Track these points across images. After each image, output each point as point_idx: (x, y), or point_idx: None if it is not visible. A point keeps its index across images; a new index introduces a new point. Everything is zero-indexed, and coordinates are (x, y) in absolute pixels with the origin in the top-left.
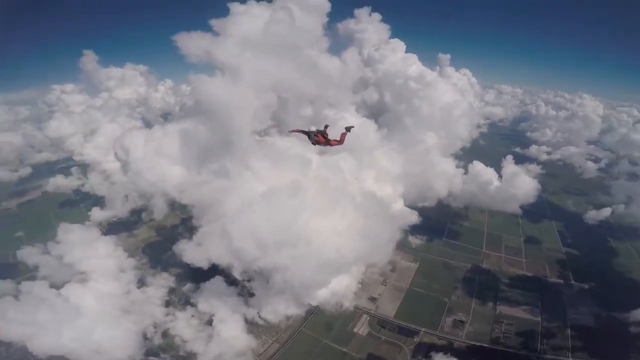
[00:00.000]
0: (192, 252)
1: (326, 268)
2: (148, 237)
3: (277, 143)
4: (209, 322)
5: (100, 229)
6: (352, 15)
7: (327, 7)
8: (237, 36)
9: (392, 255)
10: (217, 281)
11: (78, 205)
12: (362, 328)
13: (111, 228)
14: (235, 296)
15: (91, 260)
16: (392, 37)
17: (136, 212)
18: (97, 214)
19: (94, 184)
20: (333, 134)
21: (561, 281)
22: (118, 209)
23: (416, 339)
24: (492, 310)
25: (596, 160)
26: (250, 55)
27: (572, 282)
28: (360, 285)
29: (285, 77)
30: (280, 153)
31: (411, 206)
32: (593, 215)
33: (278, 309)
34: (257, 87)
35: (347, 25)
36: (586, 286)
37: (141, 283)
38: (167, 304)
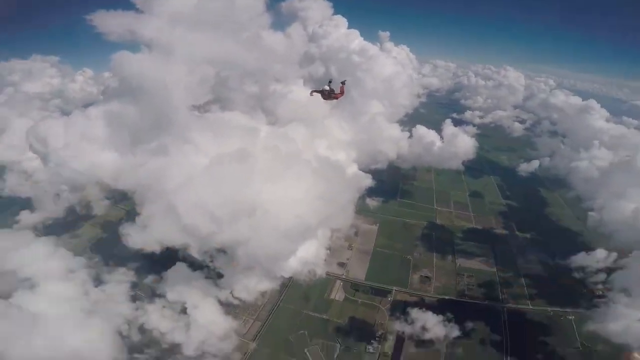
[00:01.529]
0: (138, 236)
1: (290, 236)
2: (94, 235)
3: (220, 116)
4: (183, 311)
5: (36, 233)
6: None
7: None
8: (166, 12)
9: (353, 219)
10: (180, 268)
11: (1, 212)
12: (337, 294)
13: (48, 230)
14: (203, 280)
15: (33, 264)
16: (334, 14)
17: (73, 211)
18: (26, 217)
19: (14, 186)
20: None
21: (507, 232)
22: (51, 209)
23: (390, 298)
24: (453, 263)
25: (522, 121)
26: (182, 31)
27: (516, 232)
28: (328, 252)
29: (223, 52)
30: (224, 125)
31: (364, 170)
32: (524, 168)
33: (251, 286)
34: (191, 62)
35: (290, 4)
36: (528, 236)
37: (98, 282)
38: (134, 298)
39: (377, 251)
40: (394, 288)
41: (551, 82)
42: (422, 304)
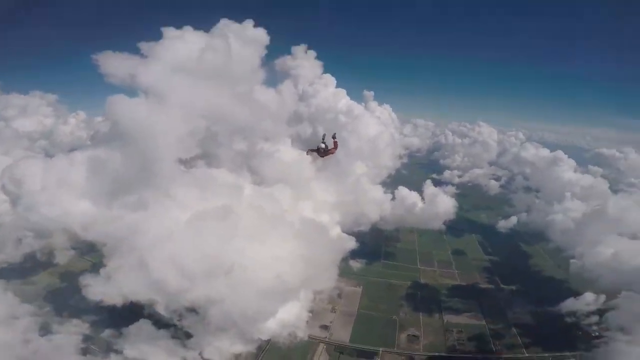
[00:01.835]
0: (100, 288)
1: (269, 296)
2: (50, 284)
3: (205, 172)
4: None
5: None
6: (289, 52)
7: (266, 40)
8: (168, 60)
9: (336, 282)
10: (143, 325)
11: None
12: (321, 358)
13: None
14: (169, 339)
15: None
16: (324, 72)
17: (32, 257)
18: None
19: None
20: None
21: (492, 286)
22: (8, 253)
23: (377, 359)
24: (440, 320)
25: (497, 178)
26: (180, 81)
27: (501, 285)
28: (311, 314)
29: (216, 105)
30: (209, 182)
31: (348, 232)
32: (503, 225)
33: (223, 348)
34: (184, 112)
35: (284, 61)
36: (514, 287)
37: (45, 331)
38: (84, 352)
39: (361, 313)
40: (381, 349)
41: (521, 135)
42: None
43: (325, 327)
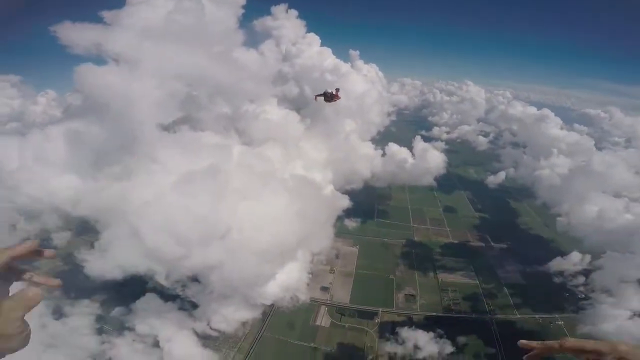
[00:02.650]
0: (97, 263)
1: (268, 257)
2: (53, 268)
3: (190, 135)
4: (156, 344)
5: None
6: (268, 13)
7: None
8: (135, 26)
9: (333, 242)
10: (150, 299)
11: None
12: (323, 320)
13: None
14: (176, 311)
15: None
16: (308, 31)
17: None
18: None
19: None
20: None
21: (482, 244)
22: (4, 241)
23: (377, 320)
24: (435, 280)
25: (485, 134)
26: (151, 45)
27: (492, 243)
28: (310, 276)
29: (193, 67)
30: (195, 144)
31: (341, 191)
32: (492, 180)
33: (230, 316)
34: (159, 76)
35: (263, 22)
36: (504, 246)
37: (59, 314)
38: (99, 332)
39: (359, 273)
40: (380, 309)
41: (508, 94)
42: (410, 323)
43: (325, 289)
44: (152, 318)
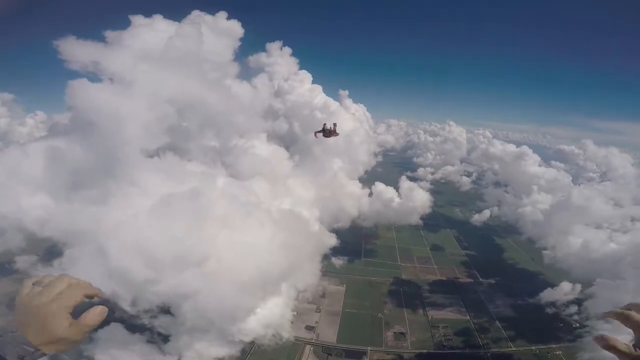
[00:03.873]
0: None
1: (248, 289)
2: (12, 292)
3: (174, 161)
4: None
5: None
6: (263, 49)
7: (240, 33)
8: (135, 48)
9: (319, 281)
10: (114, 329)
11: None
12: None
13: None
14: (144, 344)
15: None
16: (300, 69)
17: None
18: None
19: None
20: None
21: (471, 280)
22: None
23: (365, 359)
24: (425, 316)
25: (468, 174)
26: (147, 68)
27: (480, 279)
28: (295, 314)
29: (186, 94)
30: (178, 170)
31: (328, 229)
32: (477, 219)
33: (204, 352)
34: (151, 99)
35: (258, 58)
36: (493, 281)
37: None
38: (52, 359)
39: (346, 312)
40: (369, 348)
41: (488, 133)
42: None
43: (310, 328)
44: (115, 349)
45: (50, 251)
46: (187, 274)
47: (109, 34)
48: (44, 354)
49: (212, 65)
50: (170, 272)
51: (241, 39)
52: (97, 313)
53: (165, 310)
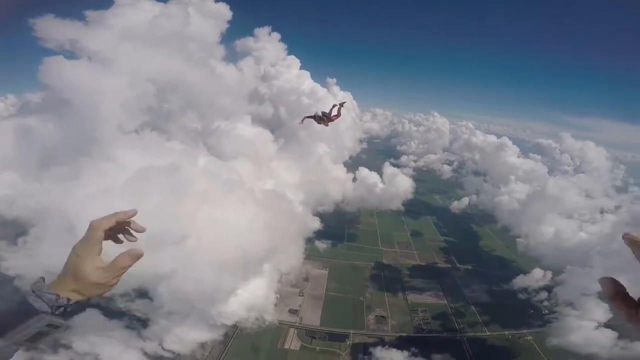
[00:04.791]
0: (18, 260)
1: (229, 269)
2: None
3: (153, 138)
4: None
5: None
6: (251, 34)
7: (227, 15)
8: (117, 27)
9: (303, 265)
10: (91, 315)
11: None
12: (292, 343)
13: None
14: (123, 330)
15: None
16: (288, 54)
17: None
18: None
19: None
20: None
21: (449, 265)
22: None
23: (348, 342)
24: (404, 300)
25: (450, 163)
26: (130, 46)
27: (458, 265)
28: (278, 297)
29: (170, 73)
30: (157, 147)
31: (312, 212)
32: (456, 206)
33: (185, 336)
34: (132, 77)
35: (245, 42)
36: (469, 267)
37: None
38: (28, 348)
39: (329, 295)
40: (351, 331)
41: (471, 125)
42: (382, 344)
43: (294, 312)
44: (93, 336)
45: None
46: (164, 253)
47: (90, 14)
48: (77, 301)
49: (197, 46)
50: (145, 250)
51: (229, 22)
52: (131, 255)
53: (143, 293)
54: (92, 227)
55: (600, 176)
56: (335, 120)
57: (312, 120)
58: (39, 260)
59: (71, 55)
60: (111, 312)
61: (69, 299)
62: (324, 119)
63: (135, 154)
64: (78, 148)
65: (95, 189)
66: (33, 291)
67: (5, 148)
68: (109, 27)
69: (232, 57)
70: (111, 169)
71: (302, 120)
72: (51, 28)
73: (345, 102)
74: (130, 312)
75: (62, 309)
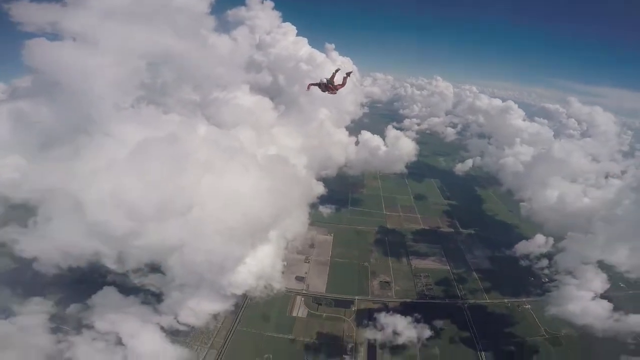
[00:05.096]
0: (31, 243)
1: (236, 237)
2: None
3: (150, 111)
4: (119, 342)
5: None
6: (243, 3)
7: None
8: (99, 5)
9: (308, 231)
10: (108, 293)
11: None
12: (300, 310)
13: None
14: (139, 305)
15: None
16: (284, 21)
17: None
18: None
19: None
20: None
21: (452, 230)
22: None
23: (353, 308)
24: (408, 266)
25: (454, 126)
26: (114, 24)
27: (460, 229)
28: (285, 264)
29: (160, 47)
30: (156, 119)
31: (315, 177)
32: (460, 168)
33: (198, 309)
34: (121, 54)
35: (237, 12)
36: (472, 231)
37: (7, 313)
38: (55, 331)
39: (334, 261)
40: (356, 297)
41: (474, 89)
42: (386, 310)
43: (301, 279)
44: (112, 314)
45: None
46: (171, 225)
47: None
48: None
49: (186, 18)
50: (152, 223)
51: None
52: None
53: (155, 268)
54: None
55: (608, 141)
56: (340, 89)
57: (317, 88)
58: (50, 241)
59: (54, 37)
60: (127, 289)
61: None
62: (330, 86)
63: (134, 128)
64: (76, 127)
65: (97, 165)
66: None
67: (3, 133)
68: (89, 7)
69: (225, 27)
70: (111, 145)
71: (308, 87)
72: (29, 12)
73: (351, 72)
74: (144, 287)
75: None
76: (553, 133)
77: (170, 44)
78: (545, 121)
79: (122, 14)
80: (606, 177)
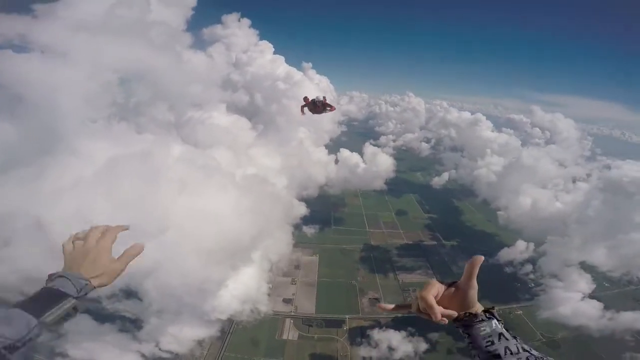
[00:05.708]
0: None
1: (215, 259)
2: None
3: (122, 128)
4: None
5: None
6: (219, 21)
7: (192, 1)
8: (70, 18)
9: (292, 252)
10: (82, 321)
11: None
12: (290, 333)
13: None
14: (116, 333)
15: None
16: (261, 39)
17: None
18: None
19: None
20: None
21: (435, 242)
22: None
23: (345, 327)
24: (396, 281)
25: (427, 140)
26: (85, 38)
27: (443, 241)
28: (271, 286)
29: (133, 62)
30: (128, 136)
31: (296, 198)
32: (436, 182)
33: (181, 336)
34: (92, 68)
35: (213, 30)
36: (454, 243)
37: None
38: (52, 329)
39: (322, 282)
40: (347, 316)
41: (445, 104)
42: (379, 326)
43: (288, 301)
44: (87, 342)
45: None
46: (145, 247)
47: (39, 7)
48: (94, 287)
49: (161, 34)
50: (122, 244)
51: (194, 9)
52: (136, 247)
53: (131, 293)
54: (106, 230)
55: (570, 146)
56: (329, 112)
57: (308, 108)
58: (11, 265)
59: (21, 49)
60: (102, 316)
61: (89, 283)
62: (319, 106)
63: (103, 145)
64: (40, 145)
65: (62, 184)
66: (65, 276)
67: None
68: (60, 19)
69: (201, 45)
70: (77, 163)
71: (302, 111)
72: None
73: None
74: (120, 313)
75: (85, 294)
76: (520, 142)
77: (144, 59)
78: (512, 131)
79: (94, 27)
80: (574, 181)
